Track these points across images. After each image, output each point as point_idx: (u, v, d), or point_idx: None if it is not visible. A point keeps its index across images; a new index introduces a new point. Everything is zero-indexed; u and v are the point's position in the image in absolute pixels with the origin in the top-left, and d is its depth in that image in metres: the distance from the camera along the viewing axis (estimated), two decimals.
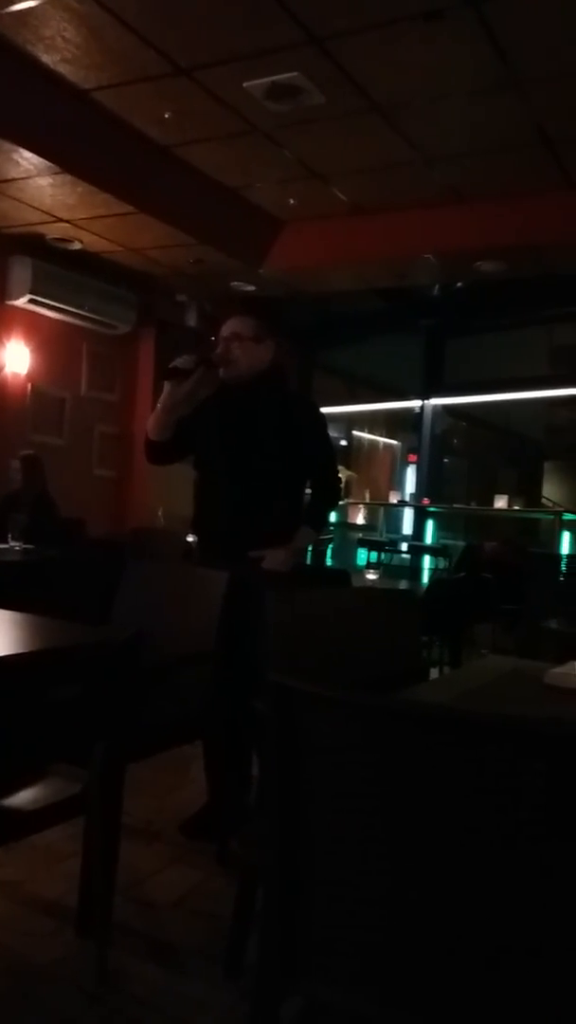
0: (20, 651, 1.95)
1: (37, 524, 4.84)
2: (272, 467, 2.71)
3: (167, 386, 2.74)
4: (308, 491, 2.92)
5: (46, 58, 4.31)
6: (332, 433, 3.06)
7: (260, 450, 2.71)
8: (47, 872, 2.43)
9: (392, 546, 8.23)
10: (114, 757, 1.97)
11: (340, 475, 3.05)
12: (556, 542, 7.58)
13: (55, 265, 6.36)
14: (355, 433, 10.55)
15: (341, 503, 8.59)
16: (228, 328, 2.79)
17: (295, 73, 4.22)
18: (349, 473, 9.38)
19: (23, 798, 1.91)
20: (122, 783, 2.04)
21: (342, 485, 3.15)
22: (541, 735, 0.95)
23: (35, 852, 2.48)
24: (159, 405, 2.78)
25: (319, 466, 2.87)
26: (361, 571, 5.11)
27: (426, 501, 8.37)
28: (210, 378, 2.77)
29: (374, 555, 7.31)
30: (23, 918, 2.21)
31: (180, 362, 2.70)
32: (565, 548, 7.53)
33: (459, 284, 7.05)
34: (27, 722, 2.04)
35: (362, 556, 7.76)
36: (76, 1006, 1.86)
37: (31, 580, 3.93)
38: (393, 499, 8.96)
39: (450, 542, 8.15)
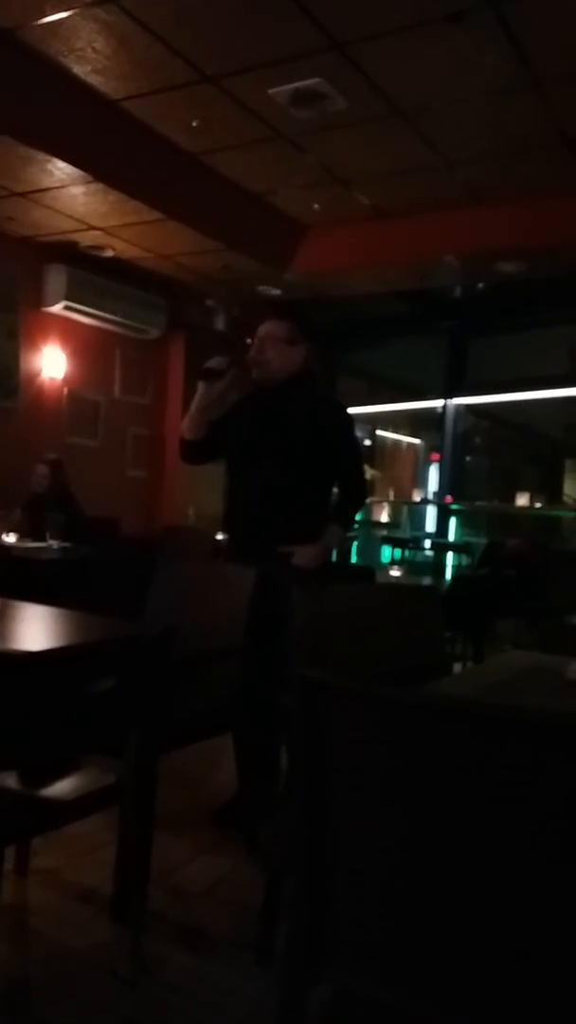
0: (57, 646, 2.00)
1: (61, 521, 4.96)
2: (301, 467, 2.76)
3: (201, 386, 2.80)
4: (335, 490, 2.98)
5: (77, 69, 4.38)
6: (357, 433, 3.11)
7: (290, 450, 2.76)
8: (84, 860, 2.48)
9: (415, 543, 8.23)
10: (147, 748, 2.00)
11: (366, 475, 3.10)
12: None
13: (88, 272, 6.48)
14: (379, 432, 10.55)
15: (365, 501, 8.59)
16: (263, 329, 2.85)
17: (318, 79, 4.25)
18: (373, 472, 9.38)
19: (60, 788, 1.95)
20: (155, 774, 2.08)
21: (368, 485, 3.20)
22: (561, 728, 0.96)
23: (72, 841, 2.52)
24: (193, 405, 2.85)
25: (346, 466, 2.91)
26: (385, 568, 5.14)
27: (449, 499, 8.37)
28: (243, 380, 2.83)
29: (398, 552, 7.33)
30: (61, 905, 2.25)
31: (214, 363, 2.75)
32: None
33: (480, 285, 7.05)
34: (64, 714, 2.09)
35: (386, 553, 7.78)
36: (112, 991, 1.90)
37: (68, 577, 4.02)
38: (416, 497, 8.97)
39: (473, 539, 8.14)
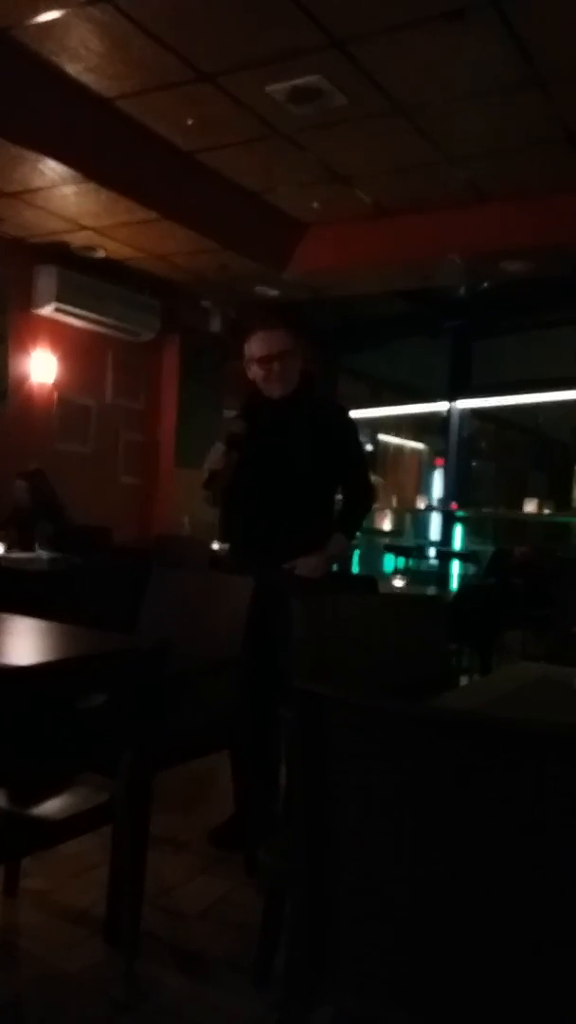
0: (47, 660, 1.99)
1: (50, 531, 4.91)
2: (305, 474, 2.72)
3: (223, 452, 2.76)
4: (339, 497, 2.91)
5: (70, 68, 4.35)
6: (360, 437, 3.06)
7: (293, 457, 2.72)
8: (75, 881, 2.46)
9: (419, 552, 8.18)
10: (141, 766, 1.98)
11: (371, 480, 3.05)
12: None
13: (80, 273, 6.44)
14: (381, 437, 10.52)
15: (372, 507, 8.54)
16: (276, 346, 2.76)
17: (317, 76, 4.22)
18: (375, 478, 9.34)
19: (51, 807, 1.94)
20: (150, 792, 2.06)
21: (373, 490, 3.15)
22: (568, 740, 0.95)
23: (64, 861, 2.50)
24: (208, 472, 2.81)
25: (350, 472, 2.86)
26: (388, 578, 5.09)
27: (454, 506, 8.33)
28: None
29: (401, 561, 7.29)
30: (52, 927, 2.23)
31: (236, 427, 2.74)
32: None
33: (484, 284, 7.01)
34: (55, 731, 2.05)
35: (389, 562, 7.74)
36: (105, 1015, 1.88)
37: (58, 588, 3.98)
38: (420, 504, 8.91)
39: (479, 547, 8.09)
